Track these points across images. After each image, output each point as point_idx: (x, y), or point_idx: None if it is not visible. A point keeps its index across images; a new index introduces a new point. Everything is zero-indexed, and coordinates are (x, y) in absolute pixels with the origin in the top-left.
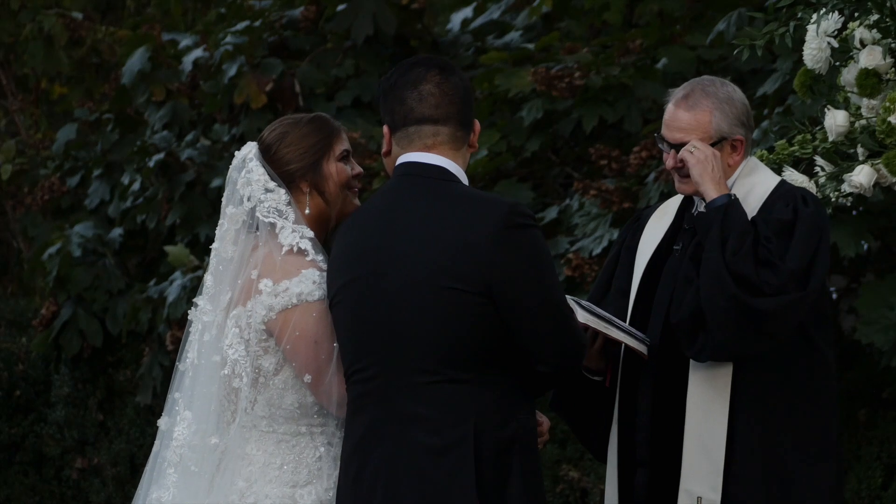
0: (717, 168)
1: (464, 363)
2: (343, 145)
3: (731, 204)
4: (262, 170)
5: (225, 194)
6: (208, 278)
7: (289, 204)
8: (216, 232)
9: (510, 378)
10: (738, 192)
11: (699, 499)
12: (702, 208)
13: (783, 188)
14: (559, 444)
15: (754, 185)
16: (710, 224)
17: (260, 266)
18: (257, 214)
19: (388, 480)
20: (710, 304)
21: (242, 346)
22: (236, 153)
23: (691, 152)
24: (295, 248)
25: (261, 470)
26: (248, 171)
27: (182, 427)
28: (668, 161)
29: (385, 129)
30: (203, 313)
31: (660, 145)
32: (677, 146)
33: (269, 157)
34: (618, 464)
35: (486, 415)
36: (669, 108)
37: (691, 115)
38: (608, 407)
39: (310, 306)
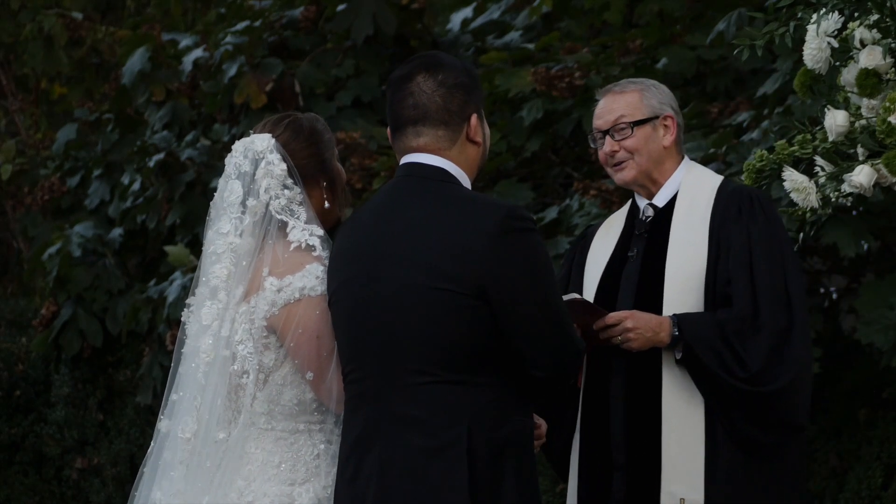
0: (651, 324)
1: (458, 364)
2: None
3: (683, 334)
4: (283, 165)
5: (237, 189)
6: (222, 272)
7: (301, 203)
8: (222, 228)
9: (505, 380)
10: (687, 184)
11: (682, 500)
12: (650, 213)
13: (729, 187)
14: None
15: (701, 180)
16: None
17: (270, 264)
18: (270, 209)
19: (381, 481)
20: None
21: (251, 343)
22: (240, 144)
23: (629, 337)
24: (303, 245)
25: (259, 468)
26: (268, 164)
27: (191, 423)
28: (605, 148)
29: (388, 130)
30: (222, 307)
31: (592, 144)
32: (609, 129)
33: (291, 149)
34: (584, 471)
35: (480, 416)
36: (599, 103)
37: (621, 97)
38: (570, 418)
39: (313, 301)
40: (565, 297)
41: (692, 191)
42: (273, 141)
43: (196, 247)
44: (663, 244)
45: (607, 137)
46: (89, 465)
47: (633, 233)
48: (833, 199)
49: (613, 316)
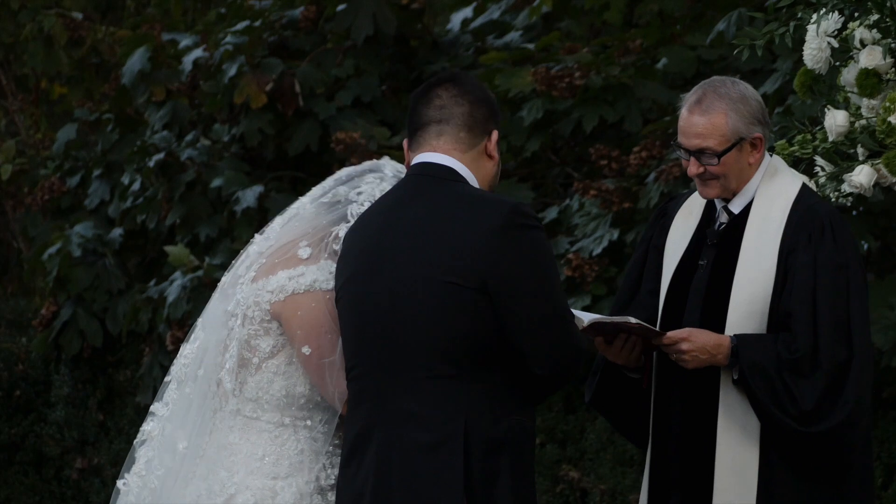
0: (708, 346)
1: (459, 359)
2: None
3: (741, 359)
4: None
5: (347, 172)
6: (277, 221)
7: None
8: (314, 192)
9: (505, 378)
10: (762, 195)
11: None
12: (724, 219)
13: (804, 203)
14: (559, 444)
15: (777, 191)
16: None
17: (311, 239)
18: (348, 208)
19: (379, 476)
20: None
21: (243, 295)
22: (386, 159)
23: (684, 359)
24: (338, 235)
25: (243, 460)
26: (382, 178)
27: (196, 344)
28: (691, 168)
29: (405, 143)
30: (256, 250)
31: (678, 153)
32: (696, 153)
33: None
34: (651, 483)
35: (477, 413)
36: (683, 114)
37: (707, 119)
38: (648, 401)
39: (321, 294)
40: (620, 318)
41: (768, 201)
42: (403, 173)
43: (196, 247)
44: (733, 258)
45: (692, 158)
46: (89, 465)
47: (706, 240)
48: (833, 199)
49: (671, 336)
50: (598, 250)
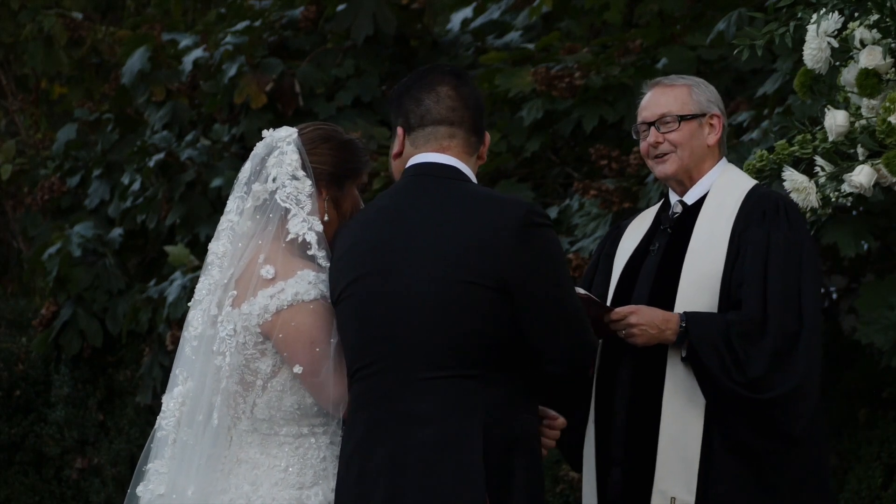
0: (656, 320)
1: (473, 359)
2: (365, 178)
3: (690, 333)
4: (297, 156)
5: (247, 169)
6: (219, 248)
7: (310, 196)
8: (228, 206)
9: (518, 377)
10: (718, 186)
11: (673, 499)
12: (678, 209)
13: (758, 192)
14: (559, 445)
15: (733, 183)
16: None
17: (267, 251)
18: (276, 198)
19: (392, 478)
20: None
21: (231, 326)
22: (269, 130)
23: (633, 333)
24: (300, 239)
25: (266, 473)
26: (281, 153)
27: (178, 397)
28: (649, 139)
29: (399, 130)
30: (215, 284)
31: (635, 136)
32: (655, 121)
33: (308, 150)
34: (596, 463)
35: (493, 411)
36: (646, 96)
37: (670, 91)
38: (583, 409)
39: (305, 305)
40: None
41: (722, 191)
42: (295, 135)
43: (196, 247)
44: (685, 241)
45: (652, 129)
46: (89, 465)
47: (660, 226)
48: (833, 199)
49: (619, 311)
50: None
